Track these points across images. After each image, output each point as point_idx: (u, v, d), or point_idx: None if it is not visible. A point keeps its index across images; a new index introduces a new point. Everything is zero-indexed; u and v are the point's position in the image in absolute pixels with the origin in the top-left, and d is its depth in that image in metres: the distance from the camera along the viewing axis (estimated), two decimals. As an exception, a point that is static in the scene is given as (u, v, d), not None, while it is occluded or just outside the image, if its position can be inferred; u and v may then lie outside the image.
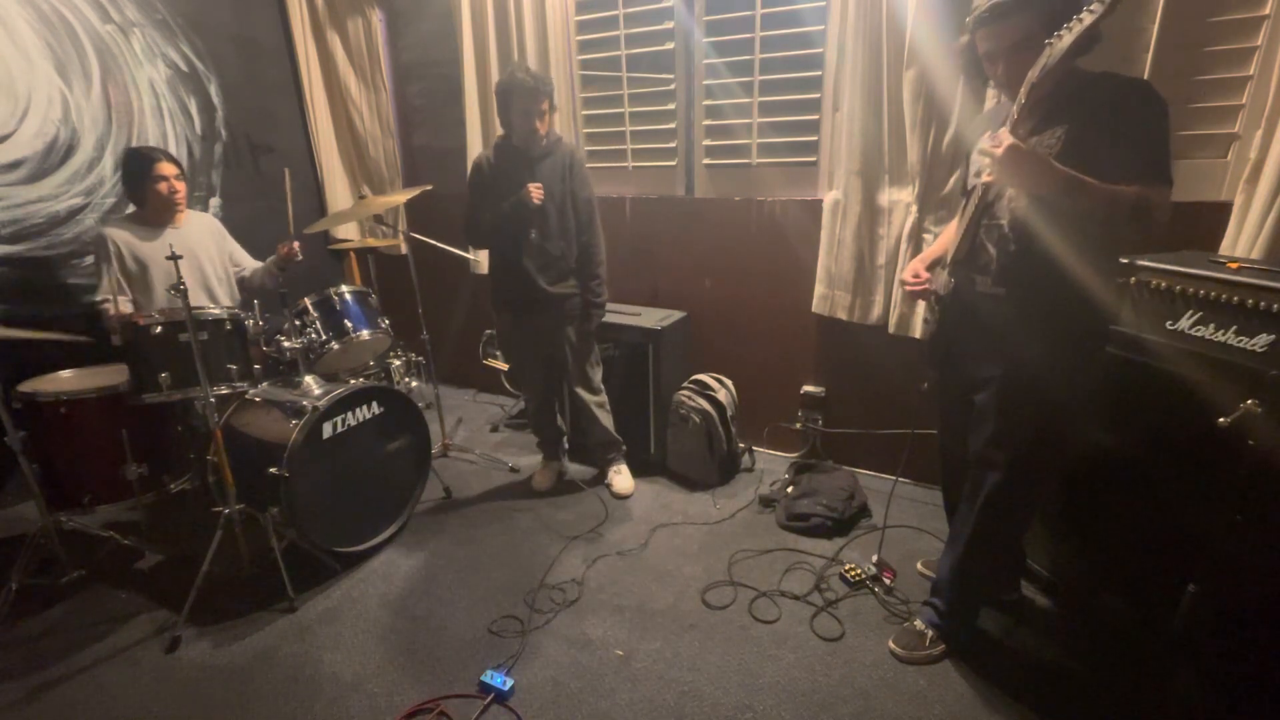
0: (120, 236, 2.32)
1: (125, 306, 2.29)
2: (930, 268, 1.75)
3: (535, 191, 2.23)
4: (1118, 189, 1.29)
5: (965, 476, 1.68)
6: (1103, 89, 1.38)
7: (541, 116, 2.22)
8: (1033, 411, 1.52)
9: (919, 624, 1.83)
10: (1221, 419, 1.40)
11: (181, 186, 2.40)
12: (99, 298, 2.30)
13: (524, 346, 2.56)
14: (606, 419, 2.66)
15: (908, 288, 1.75)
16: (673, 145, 2.86)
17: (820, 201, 2.55)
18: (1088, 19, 1.20)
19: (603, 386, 2.65)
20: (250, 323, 2.15)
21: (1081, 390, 1.52)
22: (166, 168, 2.34)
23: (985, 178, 1.45)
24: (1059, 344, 1.47)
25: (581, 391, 2.58)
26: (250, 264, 2.69)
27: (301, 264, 2.57)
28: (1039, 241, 1.43)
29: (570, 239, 2.38)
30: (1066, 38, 1.23)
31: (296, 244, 2.50)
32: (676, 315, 2.85)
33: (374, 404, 2.27)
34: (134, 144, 2.85)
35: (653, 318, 2.77)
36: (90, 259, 2.74)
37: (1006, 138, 1.31)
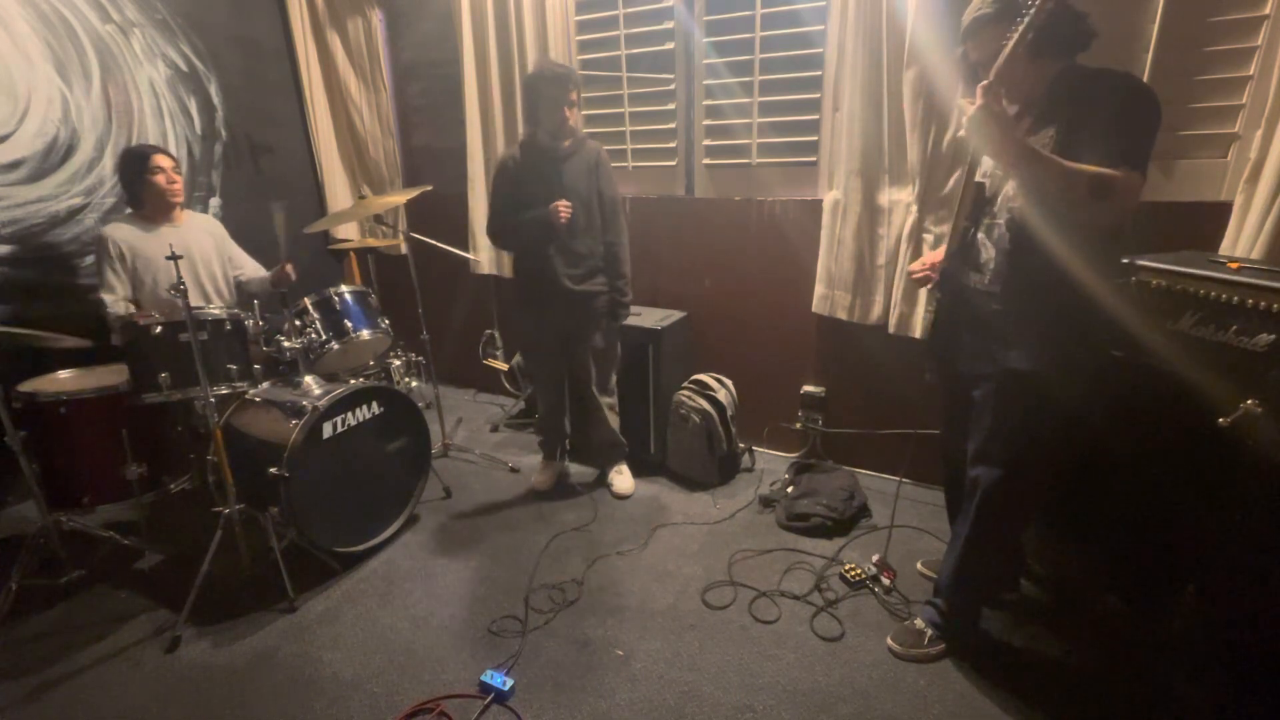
0: (120, 234, 2.34)
1: (126, 306, 2.30)
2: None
3: (564, 211, 2.21)
4: (1075, 166, 1.31)
5: (966, 476, 1.68)
6: (1094, 85, 1.39)
7: (570, 106, 2.21)
8: (1025, 413, 1.53)
9: (919, 622, 1.83)
10: (1221, 419, 1.40)
11: (179, 179, 2.42)
12: (103, 297, 2.31)
13: (547, 347, 2.54)
14: (615, 421, 2.66)
15: (913, 275, 1.81)
16: (673, 145, 2.86)
17: (820, 201, 2.55)
18: (1025, 20, 1.27)
19: (616, 388, 2.65)
20: (250, 323, 2.15)
21: (1075, 394, 1.51)
22: (162, 159, 2.37)
23: (960, 133, 1.50)
24: (1052, 347, 1.48)
25: (599, 394, 2.57)
26: (250, 266, 2.70)
27: (302, 264, 2.58)
28: (1034, 242, 1.44)
29: (596, 237, 2.37)
30: (1014, 38, 1.30)
31: (290, 266, 2.55)
32: (676, 315, 2.85)
33: (374, 404, 2.27)
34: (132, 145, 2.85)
35: (653, 318, 2.77)
36: (91, 259, 2.75)
37: (980, 96, 1.36)
